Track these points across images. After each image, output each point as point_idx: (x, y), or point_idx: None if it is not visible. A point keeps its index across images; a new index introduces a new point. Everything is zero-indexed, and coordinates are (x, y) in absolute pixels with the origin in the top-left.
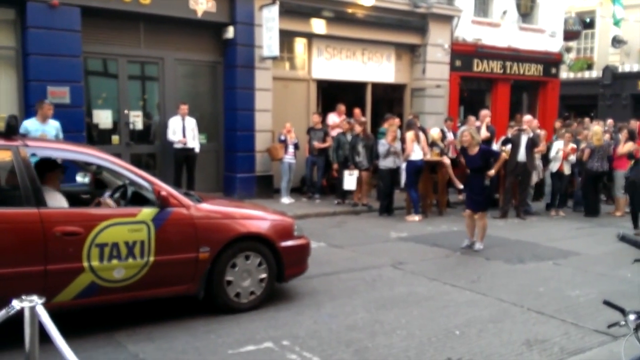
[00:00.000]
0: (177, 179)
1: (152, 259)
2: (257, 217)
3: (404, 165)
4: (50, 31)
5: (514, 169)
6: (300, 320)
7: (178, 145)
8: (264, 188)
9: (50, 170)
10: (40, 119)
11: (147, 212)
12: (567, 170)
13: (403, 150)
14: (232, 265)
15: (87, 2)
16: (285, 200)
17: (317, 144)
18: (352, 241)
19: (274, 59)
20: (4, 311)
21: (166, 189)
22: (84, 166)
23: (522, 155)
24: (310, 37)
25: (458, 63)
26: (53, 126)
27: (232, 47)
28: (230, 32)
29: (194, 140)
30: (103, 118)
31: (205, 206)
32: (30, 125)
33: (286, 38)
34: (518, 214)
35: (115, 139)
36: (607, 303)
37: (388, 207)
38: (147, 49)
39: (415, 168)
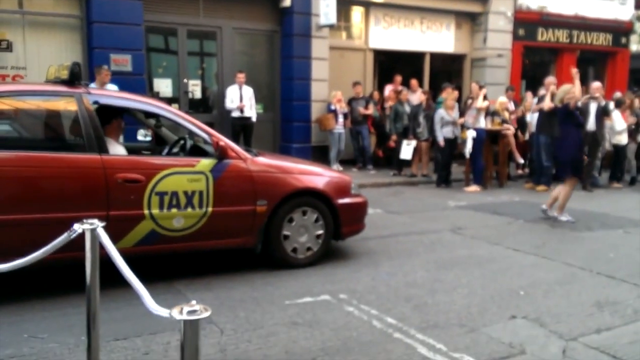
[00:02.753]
0: None
1: (210, 209)
2: (314, 173)
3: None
4: (113, 0)
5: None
6: (357, 277)
7: (236, 113)
8: (320, 158)
9: (109, 122)
10: (98, 84)
11: (205, 163)
12: (623, 140)
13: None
14: (289, 220)
15: None
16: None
17: (362, 110)
18: (409, 208)
19: (330, 27)
20: (65, 234)
21: (224, 140)
22: (144, 121)
23: (591, 125)
24: (368, 5)
25: (521, 32)
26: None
27: (289, 15)
28: (287, 0)
29: (251, 110)
30: (163, 87)
31: (263, 160)
32: None
33: (343, 6)
34: (584, 186)
35: (174, 107)
36: None
37: (446, 178)
38: (205, 18)
39: (482, 136)
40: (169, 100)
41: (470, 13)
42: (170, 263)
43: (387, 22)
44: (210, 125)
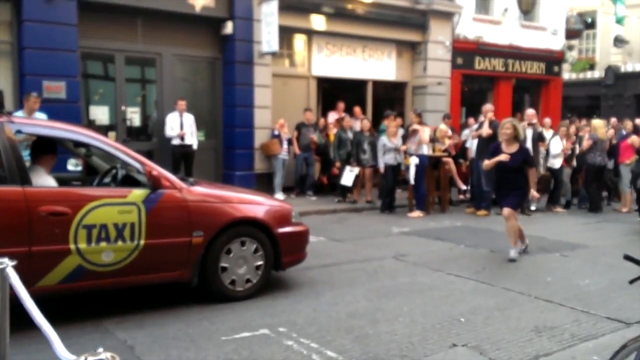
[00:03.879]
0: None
1: (142, 242)
2: (253, 202)
3: (411, 161)
4: (46, 25)
5: None
6: (298, 309)
7: (176, 141)
8: (263, 186)
9: (44, 153)
10: (26, 112)
11: (137, 194)
12: (557, 164)
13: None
14: (227, 251)
15: None
16: (279, 196)
17: (314, 137)
18: (352, 235)
19: (273, 54)
20: None
21: (158, 169)
22: (73, 150)
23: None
24: (310, 33)
25: (459, 61)
26: (39, 118)
27: (231, 42)
28: (229, 28)
29: (192, 137)
30: (100, 114)
31: (199, 189)
32: None
33: (286, 34)
34: (522, 210)
35: (112, 135)
36: (628, 257)
37: (390, 204)
38: (144, 45)
39: (425, 163)
40: (106, 128)
41: (410, 42)
42: (100, 300)
43: (329, 50)
44: (150, 153)
